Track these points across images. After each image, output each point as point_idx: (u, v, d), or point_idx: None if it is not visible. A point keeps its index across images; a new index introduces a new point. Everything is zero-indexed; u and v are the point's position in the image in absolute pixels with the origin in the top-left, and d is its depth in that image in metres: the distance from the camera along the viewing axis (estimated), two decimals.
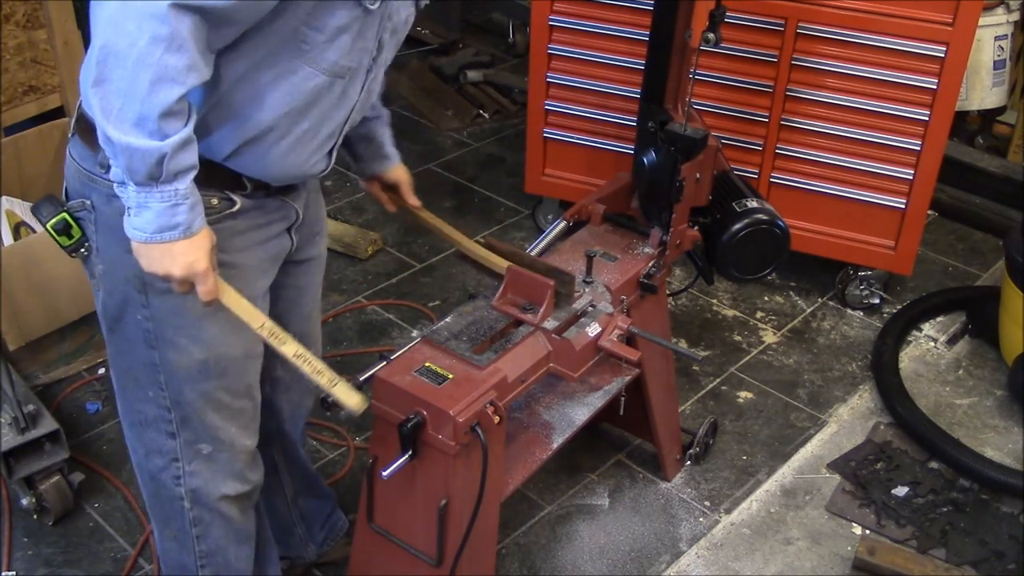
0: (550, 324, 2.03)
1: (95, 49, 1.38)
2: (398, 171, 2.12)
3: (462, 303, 2.12)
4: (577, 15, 3.30)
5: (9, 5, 3.18)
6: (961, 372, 3.18)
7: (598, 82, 3.36)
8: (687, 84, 2.38)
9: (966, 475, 2.73)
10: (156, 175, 1.42)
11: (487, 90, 4.76)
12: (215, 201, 1.63)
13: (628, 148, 3.18)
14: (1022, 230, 3.01)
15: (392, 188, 2.13)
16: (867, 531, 2.60)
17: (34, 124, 3.30)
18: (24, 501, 2.51)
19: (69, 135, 1.66)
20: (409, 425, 1.80)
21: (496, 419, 1.85)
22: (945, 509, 2.65)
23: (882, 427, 2.93)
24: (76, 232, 1.65)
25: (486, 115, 4.57)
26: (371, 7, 1.55)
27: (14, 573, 2.42)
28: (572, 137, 3.49)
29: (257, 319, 1.62)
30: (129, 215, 1.48)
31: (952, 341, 3.29)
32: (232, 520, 1.92)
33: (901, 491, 2.71)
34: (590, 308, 2.12)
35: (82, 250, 1.67)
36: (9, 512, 2.54)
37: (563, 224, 2.42)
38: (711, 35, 2.23)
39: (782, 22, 3.07)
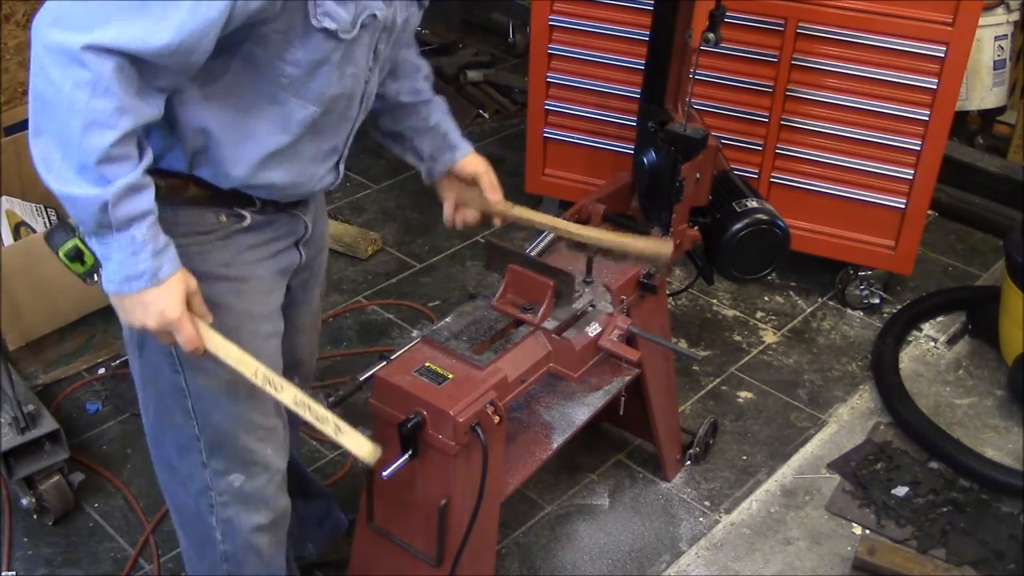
0: (550, 324, 2.03)
1: (30, 95, 1.35)
2: (473, 161, 1.99)
3: (462, 303, 2.12)
4: (577, 15, 3.30)
5: (9, 5, 3.18)
6: (961, 372, 3.18)
7: (598, 82, 3.36)
8: (687, 84, 2.38)
9: (966, 475, 2.73)
10: (106, 223, 1.37)
11: (487, 90, 4.76)
12: (223, 217, 1.61)
13: (628, 148, 3.18)
14: (1022, 230, 3.01)
15: (470, 183, 2.00)
16: (867, 531, 2.60)
17: None
18: (24, 501, 2.51)
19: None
20: (409, 425, 1.80)
21: (496, 419, 1.85)
22: (945, 509, 2.65)
23: (882, 427, 2.93)
24: (89, 258, 1.57)
25: (486, 115, 4.57)
26: (345, 36, 1.48)
27: (14, 573, 2.42)
28: (572, 137, 3.49)
29: (250, 366, 1.53)
30: (101, 267, 1.45)
31: (952, 341, 3.29)
32: (262, 552, 1.89)
33: (901, 491, 2.71)
34: (590, 308, 2.12)
35: (95, 276, 1.58)
36: (9, 512, 2.54)
37: None
38: (711, 35, 2.23)
39: (782, 22, 3.07)
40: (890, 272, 3.38)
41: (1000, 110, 4.17)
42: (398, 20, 1.61)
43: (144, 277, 1.42)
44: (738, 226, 2.40)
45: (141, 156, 1.40)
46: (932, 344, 3.28)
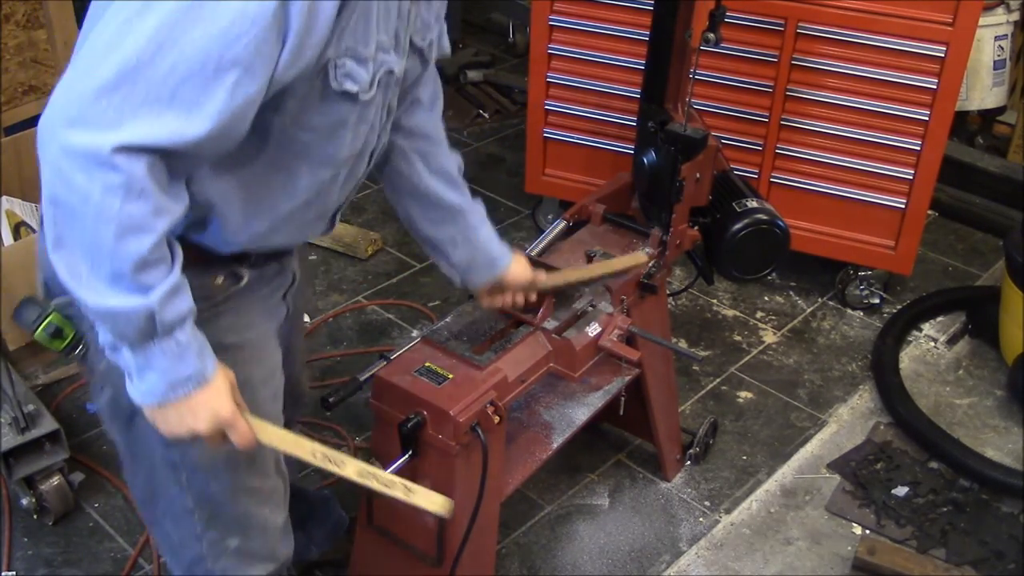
0: (550, 324, 2.03)
1: (46, 203, 1.22)
2: (516, 269, 1.90)
3: (462, 303, 2.12)
4: (577, 15, 3.29)
5: (9, 5, 3.17)
6: (961, 372, 3.18)
7: (598, 82, 3.36)
8: (687, 84, 2.38)
9: (966, 475, 2.73)
10: (150, 332, 1.27)
11: (487, 90, 4.76)
12: (220, 280, 1.52)
13: (628, 148, 3.18)
14: (1022, 230, 3.01)
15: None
16: (867, 531, 2.60)
17: (34, 124, 3.29)
18: (24, 501, 2.51)
19: (39, 225, 1.48)
20: (409, 425, 1.80)
21: (496, 419, 1.85)
22: (945, 509, 2.65)
23: (882, 427, 2.93)
24: (69, 332, 1.49)
25: (486, 115, 4.57)
26: (365, 97, 1.40)
27: (14, 573, 2.42)
28: (572, 137, 3.49)
29: (307, 449, 1.45)
30: (131, 380, 1.33)
31: (952, 341, 3.29)
32: None
33: (901, 491, 2.71)
34: (590, 308, 2.12)
35: (79, 349, 1.52)
36: (9, 512, 2.54)
37: (563, 224, 2.42)
38: (711, 35, 2.23)
39: (782, 22, 3.07)
40: (890, 272, 3.38)
41: (1000, 110, 4.17)
42: (411, 74, 1.56)
43: (192, 381, 1.32)
44: (738, 226, 2.40)
45: (173, 253, 1.29)
46: (932, 344, 3.28)
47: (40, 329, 1.48)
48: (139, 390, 1.33)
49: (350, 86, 1.37)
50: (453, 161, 1.87)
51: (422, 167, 1.82)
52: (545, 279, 1.99)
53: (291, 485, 2.16)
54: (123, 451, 1.67)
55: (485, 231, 1.88)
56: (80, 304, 1.28)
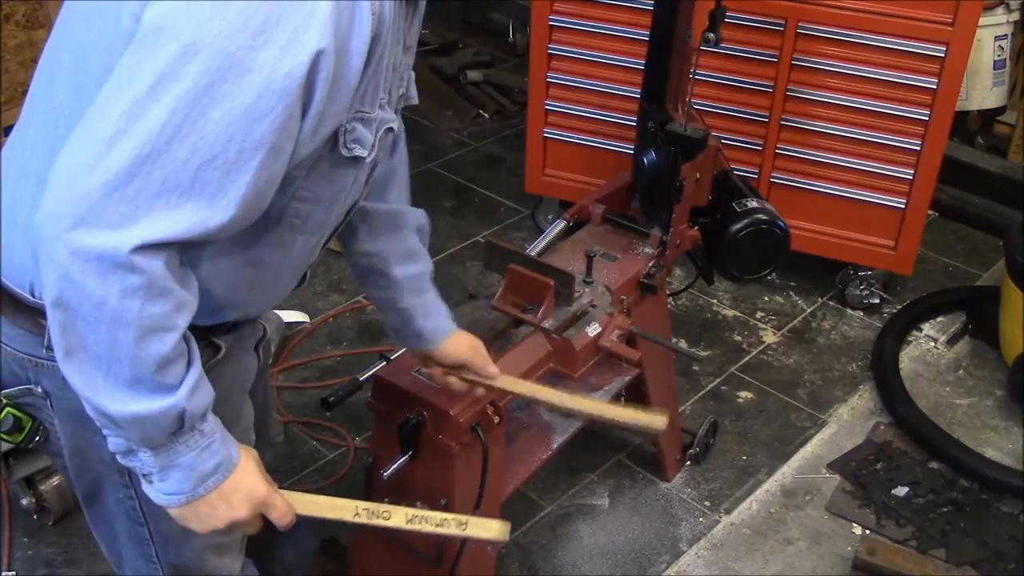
0: (550, 324, 2.03)
1: (51, 308, 1.10)
2: (453, 347, 1.71)
3: (462, 303, 2.12)
4: (577, 15, 3.29)
5: (9, 5, 3.17)
6: (961, 372, 3.18)
7: (598, 82, 3.36)
8: (687, 84, 2.38)
9: (966, 475, 2.73)
10: (176, 430, 1.18)
11: (487, 90, 4.76)
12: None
13: (628, 148, 3.18)
14: (1022, 230, 3.01)
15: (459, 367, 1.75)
16: (867, 531, 2.60)
17: None
18: (24, 501, 2.51)
19: None
20: (409, 425, 1.80)
21: (496, 419, 1.85)
22: (945, 509, 2.65)
23: (882, 427, 2.93)
24: (26, 423, 1.39)
25: (486, 115, 4.57)
26: (368, 160, 1.31)
27: (14, 573, 2.42)
28: (572, 137, 3.49)
29: (349, 510, 1.39)
30: (151, 483, 1.24)
31: (952, 341, 3.29)
32: None
33: (901, 491, 2.71)
34: (590, 308, 2.12)
35: (38, 438, 1.41)
36: (9, 512, 2.53)
37: (563, 224, 2.42)
38: (711, 35, 2.23)
39: (782, 22, 3.07)
40: (890, 272, 3.38)
41: (1000, 110, 4.17)
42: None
43: (220, 469, 1.24)
44: (738, 226, 2.40)
45: (190, 347, 1.20)
46: (932, 344, 3.28)
47: None
48: (162, 491, 1.24)
49: (359, 151, 1.28)
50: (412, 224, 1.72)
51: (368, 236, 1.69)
52: (502, 381, 1.76)
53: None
54: (91, 522, 1.59)
55: (422, 302, 1.69)
56: (97, 413, 1.18)
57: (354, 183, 1.37)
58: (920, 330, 3.32)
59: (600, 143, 3.46)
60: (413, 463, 1.85)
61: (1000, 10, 3.85)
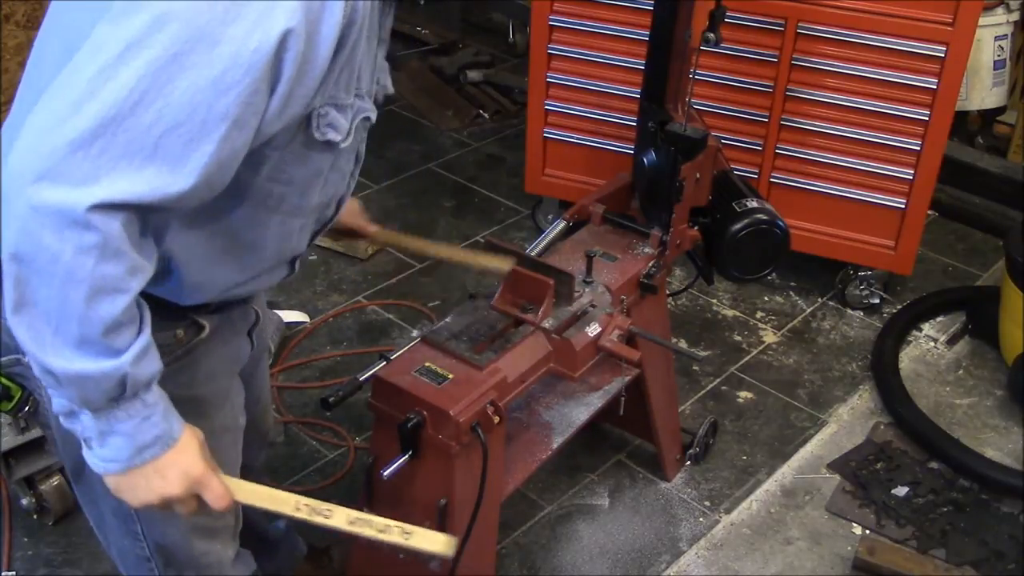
0: (550, 324, 2.03)
1: (6, 260, 1.11)
2: (349, 212, 1.84)
3: (462, 303, 2.12)
4: (577, 15, 3.29)
5: (9, 5, 3.17)
6: (961, 372, 3.18)
7: (598, 82, 3.36)
8: (687, 84, 2.38)
9: (966, 475, 2.73)
10: (117, 395, 1.19)
11: (487, 90, 4.76)
12: (181, 332, 1.43)
13: (628, 148, 3.18)
14: (1022, 230, 3.01)
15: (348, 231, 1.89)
16: (867, 531, 2.60)
17: None
18: (24, 501, 2.51)
19: None
20: (409, 425, 1.80)
21: (496, 419, 1.85)
22: (945, 509, 2.65)
23: (882, 427, 2.93)
24: (16, 391, 1.43)
25: (486, 115, 4.57)
26: (344, 145, 1.34)
27: (14, 573, 2.42)
28: (572, 137, 3.49)
29: (290, 503, 1.37)
30: (90, 448, 1.24)
31: (952, 341, 3.29)
32: None
33: (901, 491, 2.71)
34: (590, 308, 2.12)
35: (27, 408, 1.46)
36: (9, 512, 2.53)
37: (563, 224, 2.42)
38: (711, 35, 2.23)
39: (782, 22, 3.07)
40: (890, 272, 3.38)
41: (1000, 110, 4.17)
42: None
43: (159, 442, 1.24)
44: (738, 226, 2.40)
45: (142, 312, 1.21)
46: (932, 344, 3.28)
47: None
48: (100, 457, 1.25)
49: (332, 136, 1.31)
50: None
51: None
52: (380, 233, 1.98)
53: (245, 514, 2.13)
54: (80, 499, 1.62)
55: None
56: (41, 370, 1.18)
57: (332, 170, 1.39)
58: (920, 330, 3.32)
59: (600, 143, 3.46)
60: (413, 463, 1.85)
61: (1000, 10, 3.85)
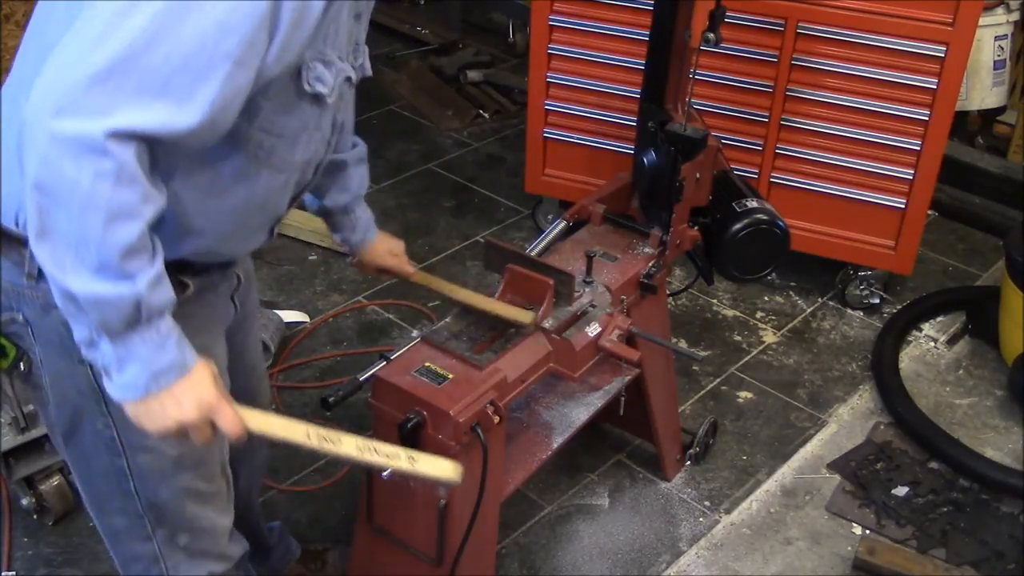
0: (550, 324, 2.03)
1: (30, 189, 1.20)
2: (376, 252, 2.03)
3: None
4: (577, 15, 3.29)
5: (9, 5, 3.17)
6: (961, 372, 3.18)
7: (598, 82, 3.36)
8: (687, 84, 2.38)
9: (966, 475, 2.73)
10: (134, 320, 1.26)
11: (487, 90, 4.76)
12: None
13: (628, 148, 3.18)
14: (1022, 230, 3.01)
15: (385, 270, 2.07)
16: (867, 531, 2.60)
17: None
18: (24, 501, 2.51)
19: None
20: (409, 425, 1.80)
21: (496, 419, 1.85)
22: (945, 509, 2.65)
23: (882, 427, 2.93)
24: (11, 350, 1.50)
25: (486, 115, 4.57)
26: (329, 101, 1.45)
27: (14, 573, 2.42)
28: (572, 137, 3.49)
29: (300, 431, 1.41)
30: (110, 377, 1.32)
31: (952, 341, 3.29)
32: None
33: (901, 491, 2.71)
34: (590, 308, 2.12)
35: (21, 367, 1.52)
36: (9, 512, 2.53)
37: (563, 224, 2.42)
38: (711, 35, 2.23)
39: (782, 22, 3.07)
40: (890, 272, 3.38)
41: (1000, 110, 4.17)
42: (347, 97, 1.62)
43: (174, 369, 1.32)
44: (738, 226, 2.40)
45: (154, 244, 1.30)
46: (932, 344, 3.28)
47: None
48: (119, 385, 1.32)
49: (320, 88, 1.41)
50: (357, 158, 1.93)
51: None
52: (417, 275, 2.12)
53: (243, 514, 2.11)
54: (71, 462, 1.66)
55: (354, 215, 1.97)
56: (62, 294, 1.26)
57: (316, 128, 1.49)
58: (920, 330, 3.32)
59: (600, 143, 3.46)
60: None
61: (1000, 10, 3.85)
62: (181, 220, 1.43)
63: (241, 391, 1.82)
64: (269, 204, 1.54)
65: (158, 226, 1.38)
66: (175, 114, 1.21)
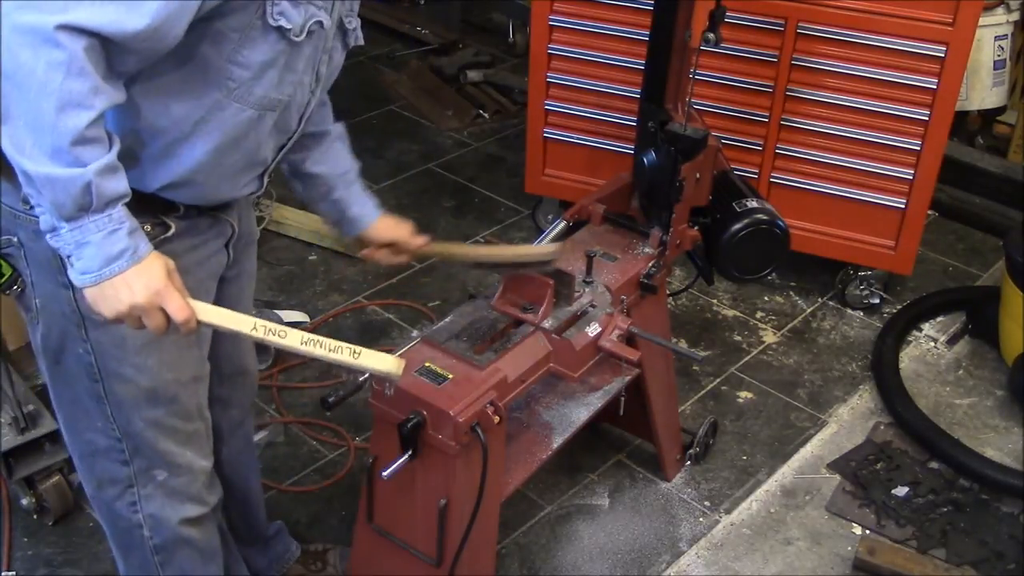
0: (550, 324, 2.03)
1: None
2: (383, 227, 2.02)
3: (462, 303, 2.12)
4: (577, 15, 3.29)
5: None
6: (961, 372, 3.18)
7: (598, 82, 3.36)
8: (687, 84, 2.38)
9: (966, 475, 2.73)
10: (86, 205, 1.37)
11: (487, 90, 4.76)
12: (148, 228, 1.58)
13: (628, 148, 3.18)
14: (1022, 230, 3.01)
15: (390, 245, 2.04)
16: (867, 531, 2.60)
17: None
18: (24, 501, 2.51)
19: None
20: (409, 425, 1.80)
21: (496, 419, 1.85)
22: (945, 509, 2.65)
23: (882, 427, 2.93)
24: (7, 270, 1.61)
25: (486, 115, 4.57)
26: (296, 39, 1.52)
27: (14, 573, 2.42)
28: (572, 137, 3.49)
29: (247, 323, 1.49)
30: (71, 264, 1.42)
31: (952, 341, 3.29)
32: (195, 542, 1.88)
33: (901, 491, 2.71)
34: (590, 308, 2.12)
35: (15, 287, 1.63)
36: (9, 512, 2.53)
37: (563, 224, 2.42)
38: (711, 35, 2.23)
39: (782, 22, 3.07)
40: (890, 272, 3.38)
41: (1000, 110, 4.17)
42: (335, 57, 1.67)
43: (126, 255, 1.42)
44: (738, 226, 2.40)
45: (111, 139, 1.40)
46: (932, 344, 3.28)
47: None
48: (78, 270, 1.41)
49: (284, 23, 1.49)
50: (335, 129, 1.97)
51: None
52: (426, 246, 2.07)
53: (246, 507, 2.19)
54: (53, 385, 1.76)
55: (352, 191, 1.99)
56: (21, 174, 1.36)
57: (288, 69, 1.55)
58: (920, 330, 3.32)
59: (600, 143, 3.46)
60: (413, 463, 1.85)
61: (1000, 10, 3.85)
62: (157, 145, 1.54)
63: (226, 356, 1.94)
64: (247, 142, 1.60)
65: (137, 151, 1.53)
66: (123, 16, 1.31)
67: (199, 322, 1.47)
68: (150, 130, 1.52)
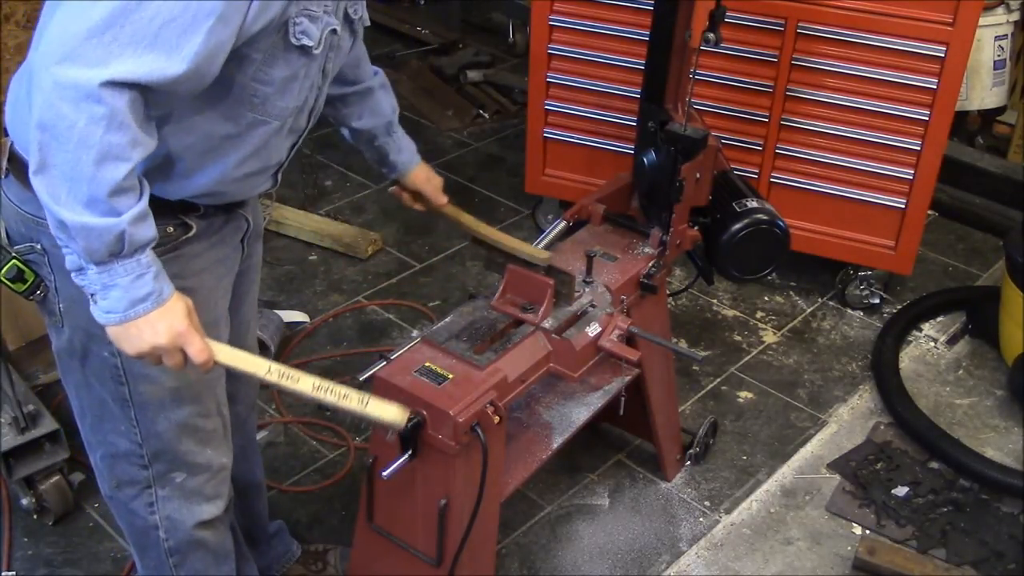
0: (550, 324, 2.03)
1: (34, 129, 1.34)
2: (417, 176, 2.15)
3: (462, 303, 2.12)
4: (577, 15, 3.30)
5: (9, 5, 3.17)
6: (961, 372, 3.18)
7: (598, 82, 3.36)
8: (687, 84, 2.38)
9: (966, 475, 2.73)
10: (117, 251, 1.40)
11: (487, 90, 4.76)
12: (171, 229, 1.63)
13: (628, 148, 3.18)
14: (1022, 230, 3.01)
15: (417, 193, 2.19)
16: (867, 531, 2.60)
17: None
18: (24, 501, 2.51)
19: (2, 176, 1.61)
20: (409, 425, 1.80)
21: (496, 419, 1.85)
22: (945, 509, 2.65)
23: (882, 427, 2.93)
24: (30, 276, 1.63)
25: (486, 115, 4.57)
26: (316, 52, 1.57)
27: (14, 573, 2.42)
28: (572, 137, 3.49)
29: (262, 366, 1.55)
30: (95, 302, 1.45)
31: (952, 341, 3.29)
32: (208, 544, 1.90)
33: (901, 491, 2.71)
34: (590, 308, 2.12)
35: (38, 292, 1.65)
36: (9, 512, 2.54)
37: (563, 224, 2.42)
38: (711, 35, 2.23)
39: (782, 22, 3.07)
40: (890, 272, 3.39)
41: (1000, 110, 4.18)
42: (343, 46, 1.70)
43: (151, 298, 1.44)
44: (738, 226, 2.40)
45: (142, 186, 1.43)
46: (932, 344, 3.28)
47: (2, 272, 1.62)
48: (103, 309, 1.44)
49: (306, 41, 1.53)
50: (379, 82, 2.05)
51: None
52: (445, 206, 2.22)
53: (248, 503, 2.20)
54: (72, 388, 1.78)
55: (394, 140, 2.09)
56: (55, 222, 1.38)
57: (306, 77, 1.60)
58: (920, 330, 3.32)
59: (600, 143, 3.46)
60: (413, 463, 1.85)
61: (1000, 10, 3.85)
62: (182, 167, 1.58)
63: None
64: (266, 150, 1.65)
65: (164, 171, 1.57)
66: (164, 64, 1.34)
67: (216, 363, 1.51)
68: (178, 149, 1.56)
